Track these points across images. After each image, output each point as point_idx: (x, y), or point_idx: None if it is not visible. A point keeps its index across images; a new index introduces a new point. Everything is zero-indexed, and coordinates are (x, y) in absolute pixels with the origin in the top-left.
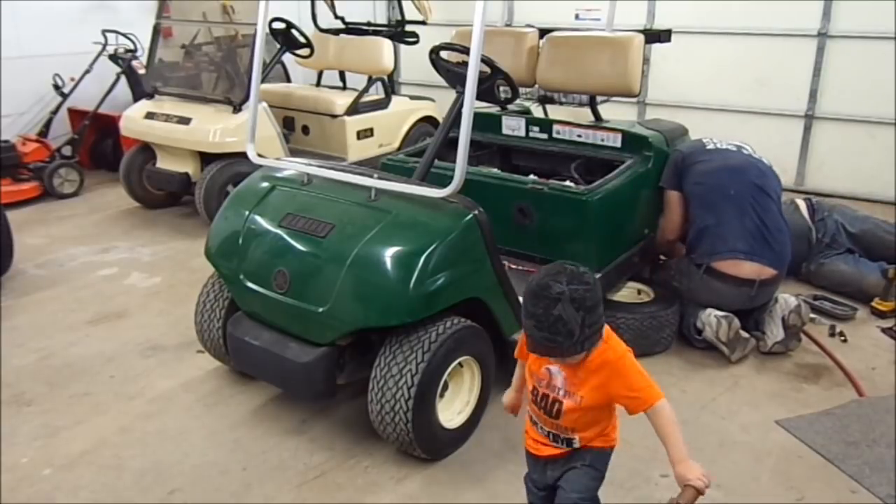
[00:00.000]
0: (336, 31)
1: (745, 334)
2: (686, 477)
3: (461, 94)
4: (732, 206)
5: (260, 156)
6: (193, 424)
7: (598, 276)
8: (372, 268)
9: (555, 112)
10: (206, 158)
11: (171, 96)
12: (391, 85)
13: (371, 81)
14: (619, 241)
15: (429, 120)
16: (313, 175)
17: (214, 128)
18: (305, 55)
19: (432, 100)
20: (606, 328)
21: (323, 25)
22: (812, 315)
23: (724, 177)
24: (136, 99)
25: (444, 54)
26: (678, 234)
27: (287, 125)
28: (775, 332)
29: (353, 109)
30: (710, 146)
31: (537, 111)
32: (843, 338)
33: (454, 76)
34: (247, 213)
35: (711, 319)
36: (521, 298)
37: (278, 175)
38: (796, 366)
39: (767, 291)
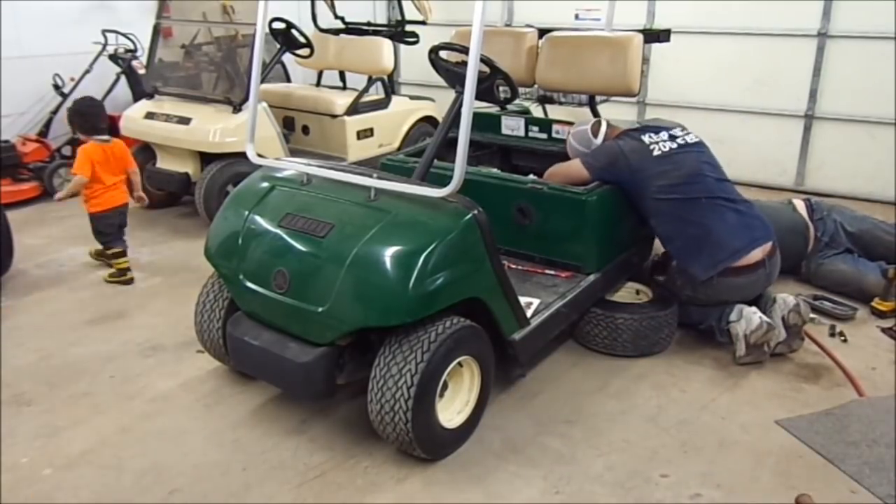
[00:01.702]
0: (336, 31)
1: (767, 349)
2: None
3: (461, 93)
4: (709, 212)
5: (260, 156)
6: (193, 424)
7: (597, 276)
8: (371, 268)
9: (554, 112)
10: (206, 158)
11: (171, 96)
12: (391, 85)
13: (371, 81)
14: (618, 241)
15: (429, 120)
16: (313, 175)
17: (214, 128)
18: (305, 55)
19: (432, 100)
20: None
21: (323, 25)
22: (812, 315)
23: (687, 189)
24: (136, 99)
25: (443, 54)
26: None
27: (287, 125)
28: (777, 333)
29: (353, 109)
30: (656, 151)
31: (537, 111)
32: (843, 338)
33: (454, 76)
34: (246, 213)
35: (754, 318)
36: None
37: (278, 175)
38: (796, 366)
39: (775, 261)
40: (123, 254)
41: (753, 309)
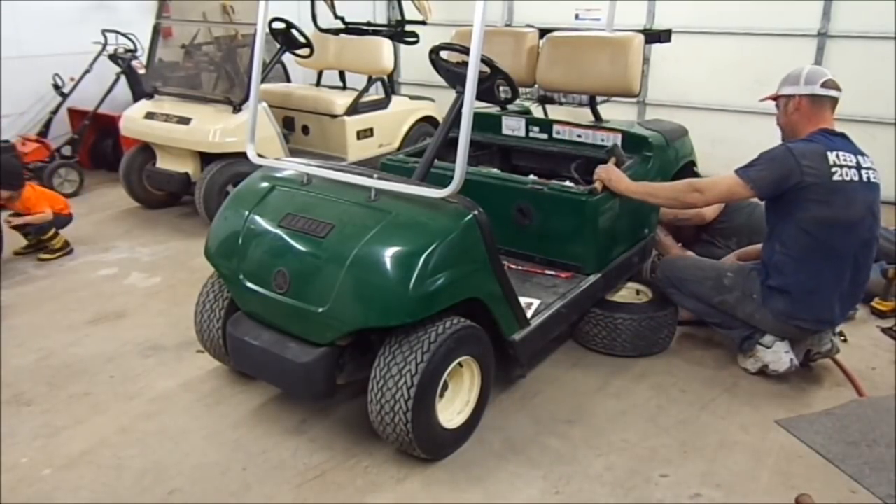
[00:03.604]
0: (336, 31)
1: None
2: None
3: (461, 94)
4: (833, 270)
5: (260, 156)
6: (193, 424)
7: (597, 276)
8: (372, 268)
9: (555, 112)
10: (206, 158)
11: (171, 96)
12: (391, 85)
13: (371, 81)
14: (619, 241)
15: (429, 120)
16: (313, 175)
17: (214, 128)
18: (305, 55)
19: (432, 100)
20: None
21: (323, 25)
22: None
23: (836, 234)
24: (136, 99)
25: (444, 54)
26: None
27: (287, 125)
28: (794, 360)
29: (353, 109)
30: (836, 175)
31: (537, 111)
32: (843, 338)
33: (454, 76)
34: (246, 213)
35: (784, 359)
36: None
37: (278, 175)
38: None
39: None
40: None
41: (787, 347)
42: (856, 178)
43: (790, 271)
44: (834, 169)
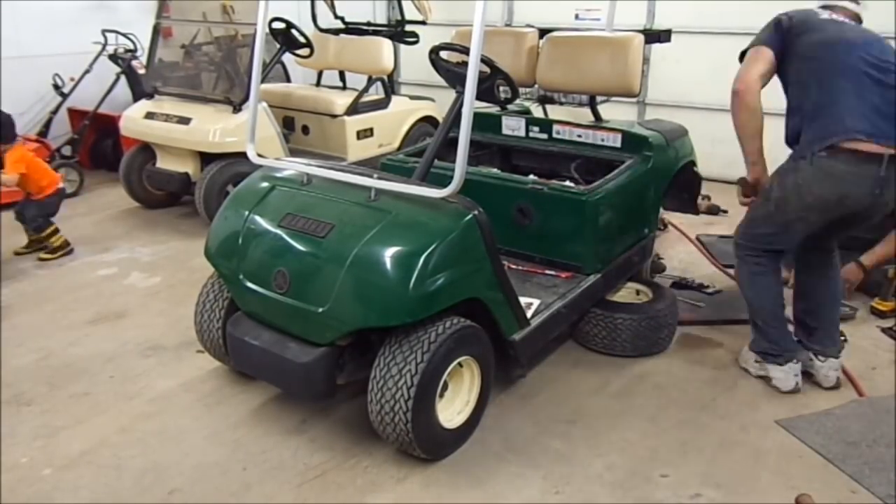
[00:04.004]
0: (336, 31)
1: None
2: None
3: (461, 94)
4: (850, 82)
5: (260, 156)
6: (193, 424)
7: (597, 276)
8: (372, 268)
9: (555, 112)
10: (206, 158)
11: (171, 96)
12: (391, 85)
13: (371, 81)
14: (619, 241)
15: (429, 120)
16: (313, 175)
17: (214, 128)
18: (305, 55)
19: (432, 100)
20: None
21: (323, 25)
22: None
23: (839, 50)
24: (136, 99)
25: (443, 54)
26: (756, 84)
27: (287, 125)
28: (799, 383)
29: (353, 109)
30: (825, 15)
31: (537, 111)
32: (843, 338)
33: (454, 76)
34: (246, 213)
35: (790, 381)
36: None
37: (278, 175)
38: None
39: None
40: (57, 230)
41: (797, 371)
42: (847, 21)
43: (803, 99)
44: (819, 11)
